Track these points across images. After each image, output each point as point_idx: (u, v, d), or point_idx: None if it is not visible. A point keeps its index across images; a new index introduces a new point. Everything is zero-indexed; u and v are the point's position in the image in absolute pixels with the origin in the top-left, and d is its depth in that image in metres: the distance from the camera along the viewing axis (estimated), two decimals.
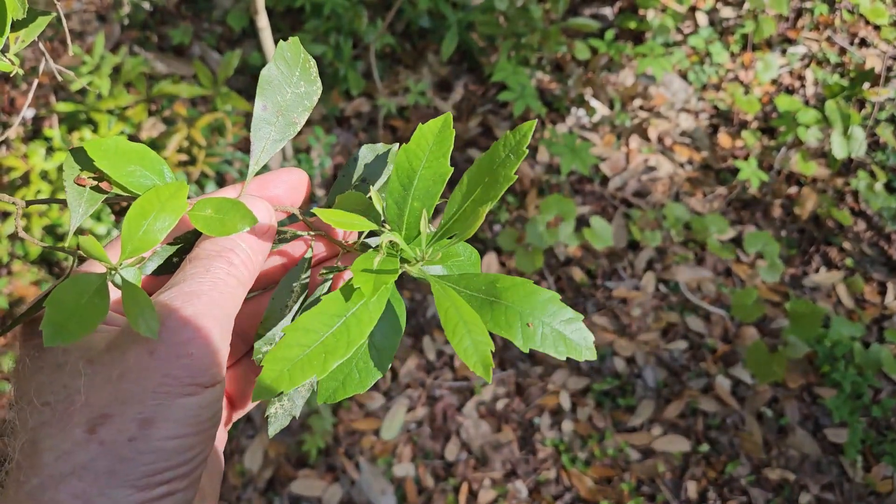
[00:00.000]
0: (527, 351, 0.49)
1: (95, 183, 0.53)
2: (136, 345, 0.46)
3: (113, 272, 0.48)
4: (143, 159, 0.53)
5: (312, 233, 0.59)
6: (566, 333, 0.50)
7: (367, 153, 0.62)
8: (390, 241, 0.52)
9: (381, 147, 0.62)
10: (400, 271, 0.52)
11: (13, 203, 0.53)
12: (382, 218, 0.56)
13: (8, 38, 0.52)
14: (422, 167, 0.53)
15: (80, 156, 0.52)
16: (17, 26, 0.57)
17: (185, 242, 0.56)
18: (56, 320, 0.42)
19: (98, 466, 0.43)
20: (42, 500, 0.43)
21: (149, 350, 0.45)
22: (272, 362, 0.48)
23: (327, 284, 0.60)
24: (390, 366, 0.55)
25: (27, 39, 0.59)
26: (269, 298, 0.58)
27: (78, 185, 0.52)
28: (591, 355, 0.49)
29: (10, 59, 0.55)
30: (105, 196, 0.53)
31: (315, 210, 0.51)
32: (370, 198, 0.55)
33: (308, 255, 0.59)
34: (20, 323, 0.51)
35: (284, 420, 0.58)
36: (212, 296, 0.49)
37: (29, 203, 0.55)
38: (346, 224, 0.50)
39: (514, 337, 0.49)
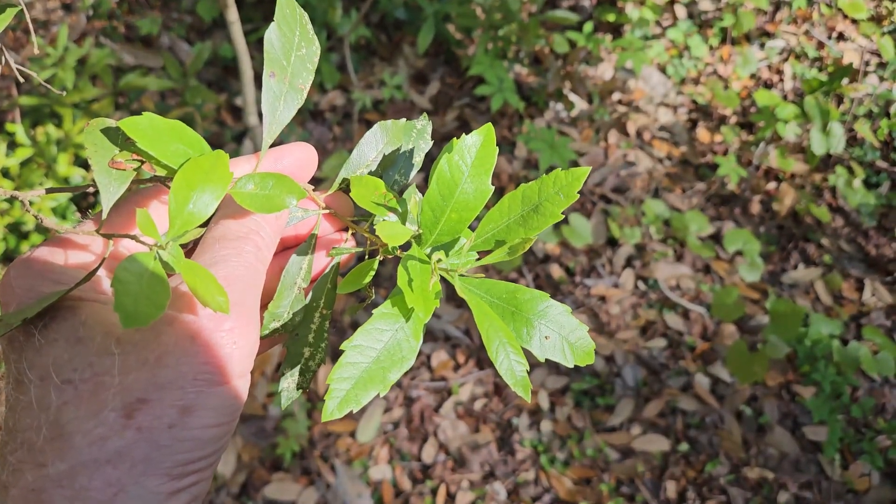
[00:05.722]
0: (543, 360, 0.53)
1: (139, 165, 0.49)
2: (171, 328, 0.44)
3: (160, 249, 0.45)
4: (183, 137, 0.50)
5: (322, 211, 0.59)
6: (573, 343, 0.54)
7: (378, 132, 0.61)
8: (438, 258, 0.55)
9: (391, 124, 0.61)
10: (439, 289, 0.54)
11: (13, 197, 0.49)
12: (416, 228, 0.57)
13: None
14: (464, 181, 0.55)
15: (93, 137, 0.49)
16: None
17: None
18: (128, 305, 0.40)
19: (135, 454, 0.41)
20: (72, 487, 0.40)
21: (189, 335, 0.43)
22: (338, 382, 0.49)
23: (337, 260, 0.61)
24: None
25: None
26: (277, 273, 0.58)
27: (116, 169, 0.48)
28: (591, 360, 0.55)
29: None
30: (134, 175, 0.49)
31: (377, 225, 0.53)
32: (393, 191, 0.58)
33: (315, 231, 0.59)
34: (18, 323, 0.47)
35: (294, 393, 0.59)
36: (246, 282, 0.47)
37: (49, 191, 0.52)
38: (393, 238, 0.52)
39: (532, 347, 0.54)
